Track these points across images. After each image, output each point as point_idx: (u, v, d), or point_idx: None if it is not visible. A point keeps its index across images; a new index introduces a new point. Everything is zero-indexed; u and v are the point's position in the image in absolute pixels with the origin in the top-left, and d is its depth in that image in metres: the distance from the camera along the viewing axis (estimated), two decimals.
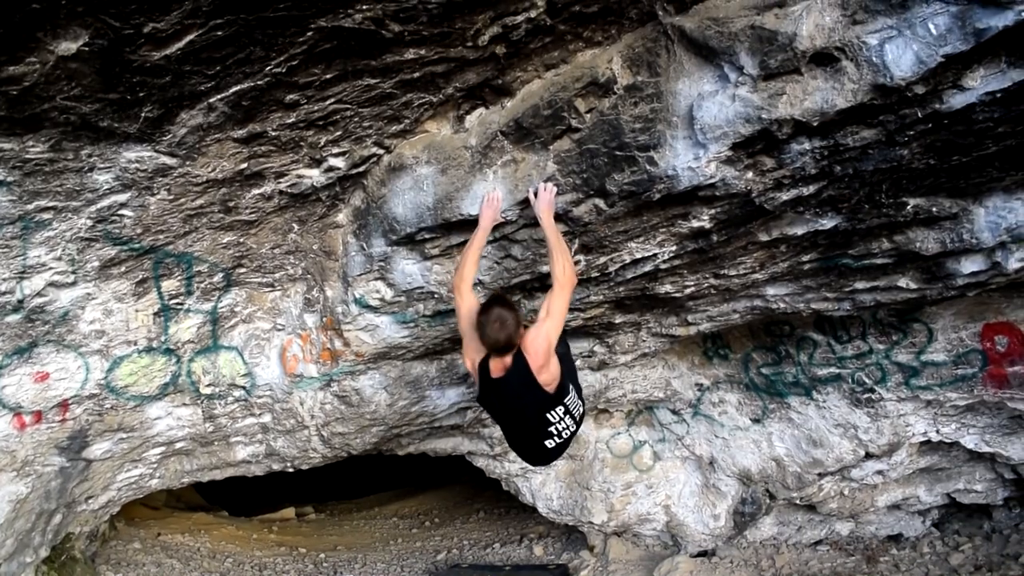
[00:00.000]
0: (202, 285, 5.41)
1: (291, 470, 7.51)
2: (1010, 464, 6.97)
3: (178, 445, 6.55)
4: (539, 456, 4.46)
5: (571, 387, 4.32)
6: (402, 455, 8.08)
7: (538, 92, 4.20)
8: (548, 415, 4.17)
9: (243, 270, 5.49)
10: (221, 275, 5.43)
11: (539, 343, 4.04)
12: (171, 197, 4.54)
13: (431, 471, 13.43)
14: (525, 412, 4.17)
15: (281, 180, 4.71)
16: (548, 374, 4.09)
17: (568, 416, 4.25)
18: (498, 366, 4.09)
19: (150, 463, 6.69)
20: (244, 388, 6.18)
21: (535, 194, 4.32)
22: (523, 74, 4.21)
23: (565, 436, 4.27)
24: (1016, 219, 4.32)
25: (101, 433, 5.87)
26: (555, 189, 4.28)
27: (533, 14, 3.70)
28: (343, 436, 6.78)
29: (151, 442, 6.33)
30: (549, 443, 4.27)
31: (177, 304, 5.43)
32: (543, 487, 8.41)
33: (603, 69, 3.95)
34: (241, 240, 5.19)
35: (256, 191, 4.75)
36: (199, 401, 6.17)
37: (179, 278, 5.26)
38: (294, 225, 5.23)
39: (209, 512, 11.49)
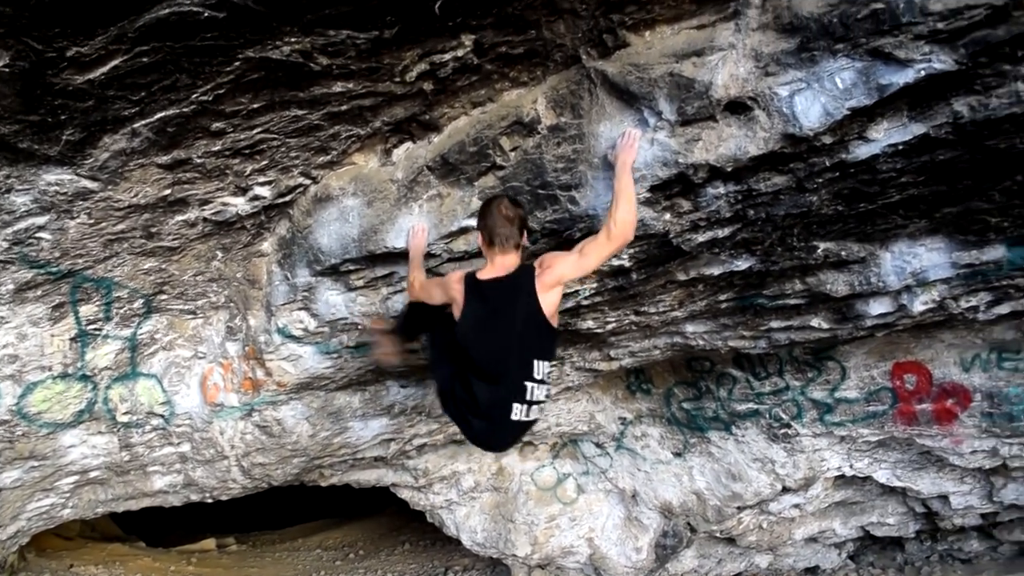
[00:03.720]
0: (121, 311, 5.31)
1: (210, 501, 7.36)
2: (920, 498, 7.21)
3: (92, 474, 6.37)
4: (496, 424, 3.89)
5: (554, 362, 3.93)
6: (325, 486, 7.99)
7: (464, 129, 4.25)
8: (534, 361, 3.76)
9: (164, 297, 5.41)
10: (141, 301, 5.33)
11: (555, 264, 3.71)
12: (91, 221, 4.46)
13: (357, 500, 13.23)
14: (511, 328, 3.71)
15: (205, 207, 4.67)
16: (549, 302, 3.73)
17: (543, 388, 3.84)
18: (494, 269, 3.75)
19: (63, 492, 6.49)
20: (163, 416, 6.05)
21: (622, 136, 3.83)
22: (450, 110, 4.26)
23: (530, 416, 3.84)
24: (920, 264, 4.53)
25: (11, 461, 5.68)
26: (639, 135, 3.79)
27: (460, 53, 3.76)
28: (264, 467, 6.68)
29: (64, 471, 6.14)
30: (516, 411, 3.78)
31: (95, 329, 5.31)
32: (467, 519, 8.38)
33: (528, 109, 4.02)
34: (163, 266, 5.11)
35: (179, 217, 4.70)
36: (115, 429, 6.02)
37: (98, 303, 5.15)
38: (218, 253, 5.17)
39: (125, 543, 11.12)
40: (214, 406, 6.07)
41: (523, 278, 3.71)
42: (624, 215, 3.59)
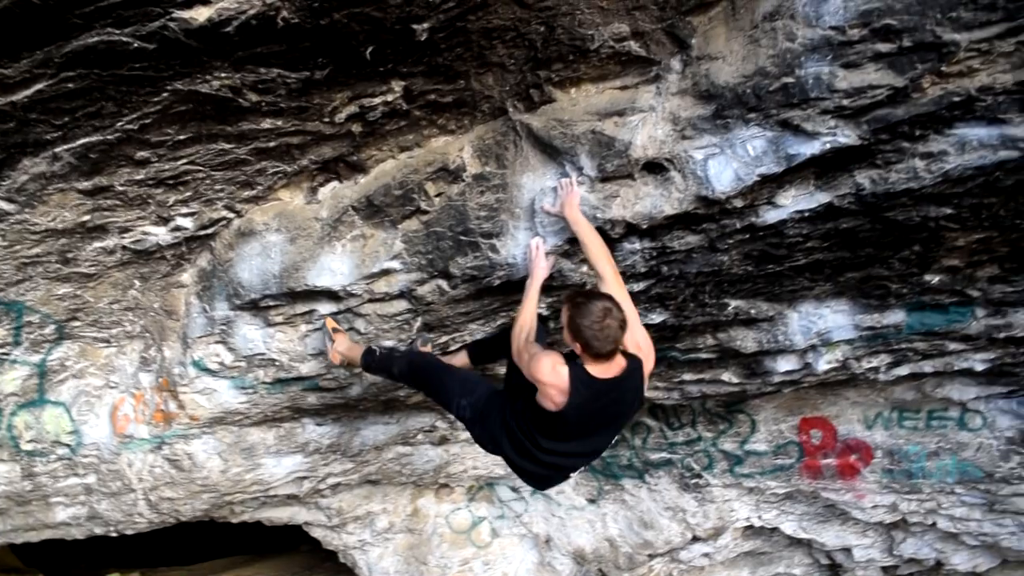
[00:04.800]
0: (32, 336, 5.17)
1: (114, 535, 7.14)
2: (825, 550, 7.40)
3: None
4: (550, 474, 3.94)
5: None
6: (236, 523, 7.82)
7: (391, 172, 4.30)
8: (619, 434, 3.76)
9: (78, 323, 5.28)
10: (53, 327, 5.21)
11: (644, 347, 3.59)
12: (5, 243, 4.36)
13: (270, 537, 12.92)
14: (619, 421, 3.68)
15: (125, 235, 4.60)
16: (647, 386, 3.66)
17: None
18: (607, 368, 3.39)
19: None
20: (69, 446, 5.87)
21: (555, 189, 3.88)
22: (378, 153, 4.31)
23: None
24: (825, 325, 4.72)
25: None
26: (574, 183, 3.80)
27: (390, 98, 3.82)
28: (172, 501, 6.52)
29: None
30: (580, 470, 3.91)
31: (2, 354, 5.16)
32: (380, 560, 8.28)
33: (454, 156, 4.10)
34: (78, 292, 5.01)
35: (98, 244, 4.62)
36: (18, 457, 5.81)
37: (7, 327, 5.01)
38: (136, 282, 5.09)
39: (24, 575, 10.70)
40: (123, 437, 5.92)
41: (637, 377, 3.50)
42: (605, 256, 3.66)
